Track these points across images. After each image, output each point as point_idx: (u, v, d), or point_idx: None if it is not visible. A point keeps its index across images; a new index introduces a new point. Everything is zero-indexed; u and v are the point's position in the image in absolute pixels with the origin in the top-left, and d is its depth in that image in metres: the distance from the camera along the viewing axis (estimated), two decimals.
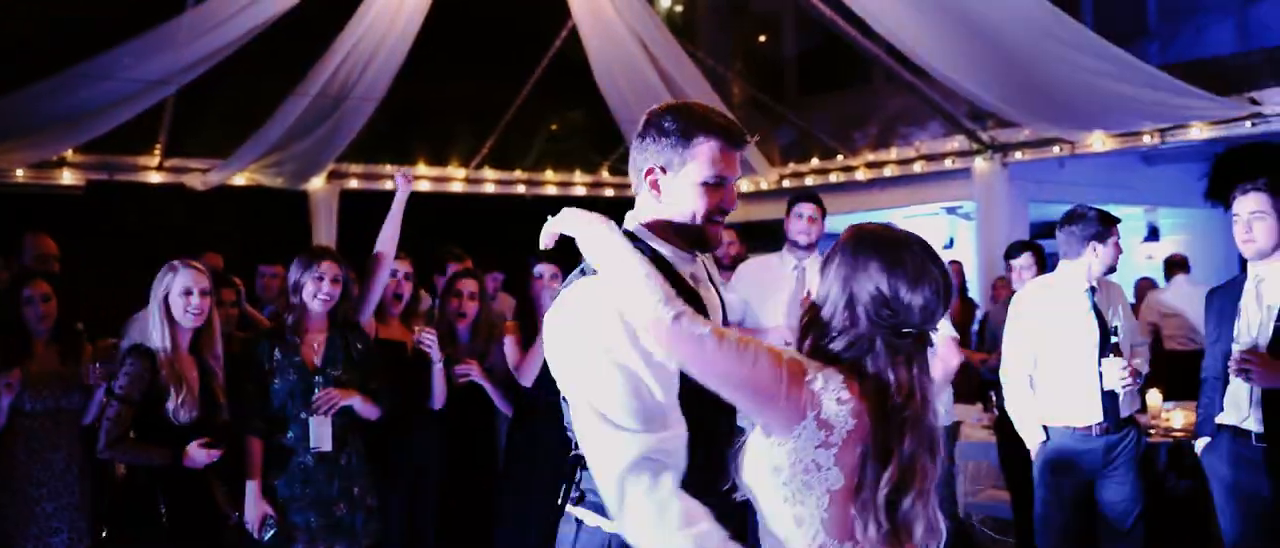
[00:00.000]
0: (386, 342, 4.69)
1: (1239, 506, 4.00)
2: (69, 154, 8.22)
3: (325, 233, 9.17)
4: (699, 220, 2.26)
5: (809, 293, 2.10)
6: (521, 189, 10.54)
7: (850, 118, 10.41)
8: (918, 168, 9.25)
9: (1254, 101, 6.50)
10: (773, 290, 4.85)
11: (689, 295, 2.16)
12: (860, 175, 9.72)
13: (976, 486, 6.46)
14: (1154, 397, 5.70)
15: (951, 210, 11.15)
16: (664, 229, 2.26)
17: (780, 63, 12.70)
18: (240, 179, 8.86)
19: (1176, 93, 6.44)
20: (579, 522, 2.22)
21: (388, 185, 9.54)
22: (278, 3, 6.76)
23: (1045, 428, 4.39)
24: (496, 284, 6.46)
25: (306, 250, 4.47)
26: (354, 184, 9.52)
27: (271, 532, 3.98)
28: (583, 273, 2.22)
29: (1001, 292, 6.89)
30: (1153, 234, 11.64)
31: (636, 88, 8.59)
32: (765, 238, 9.36)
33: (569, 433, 2.26)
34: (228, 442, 4.01)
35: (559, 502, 2.29)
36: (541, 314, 4.65)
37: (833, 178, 10.00)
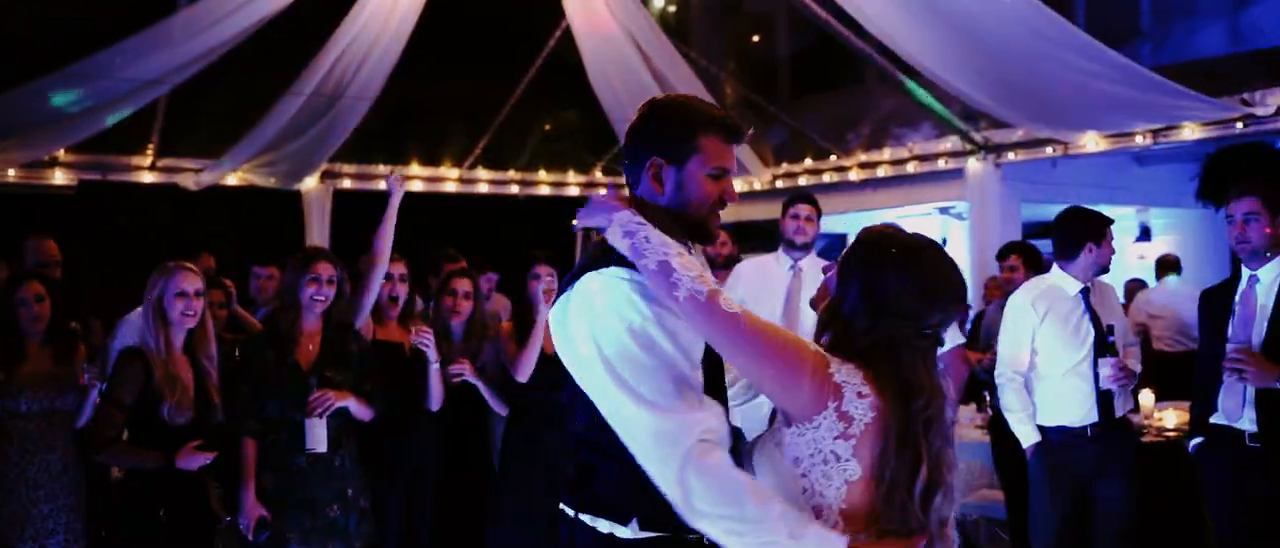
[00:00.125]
0: (383, 343, 4.69)
1: (1233, 506, 4.02)
2: (61, 154, 8.19)
3: (318, 233, 9.15)
4: (701, 212, 2.28)
5: (823, 290, 2.16)
6: (515, 189, 10.53)
7: (843, 118, 10.41)
8: (911, 168, 9.26)
9: (1245, 103, 6.51)
10: (769, 291, 4.87)
11: None
12: (853, 176, 9.72)
13: (970, 485, 6.47)
14: (1146, 397, 5.72)
15: (944, 211, 11.15)
16: (664, 220, 2.25)
17: (773, 63, 12.70)
18: (233, 179, 8.83)
19: (1169, 94, 6.45)
20: (593, 530, 2.18)
21: (381, 186, 9.51)
22: (271, 2, 6.75)
23: (1040, 428, 4.41)
24: (491, 285, 6.46)
25: (301, 252, 4.47)
26: (347, 184, 9.50)
27: (266, 534, 3.97)
28: (592, 268, 2.19)
29: (995, 292, 6.91)
30: (1145, 234, 11.67)
31: (630, 88, 8.58)
32: (758, 238, 9.37)
33: (577, 431, 2.24)
34: (222, 443, 4.01)
35: (569, 509, 2.25)
36: (538, 314, 4.71)
37: (826, 178, 10.00)
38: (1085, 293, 4.41)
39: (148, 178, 8.68)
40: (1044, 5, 6.05)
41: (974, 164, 8.49)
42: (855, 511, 1.95)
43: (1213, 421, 4.08)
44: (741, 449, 2.14)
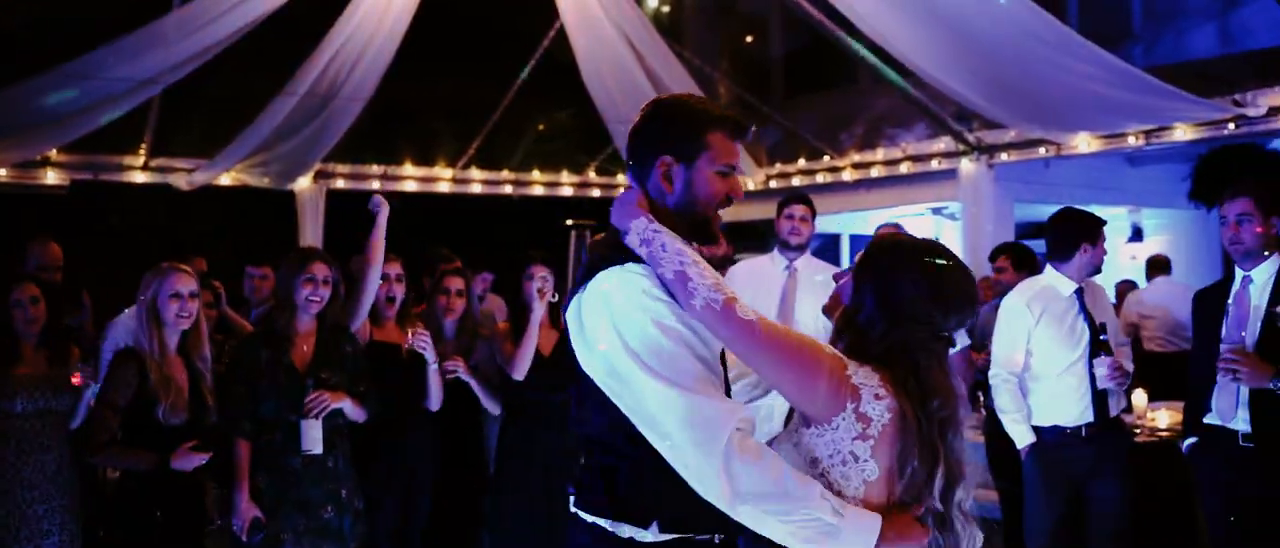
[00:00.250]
0: (381, 343, 4.68)
1: (1227, 506, 4.03)
2: (53, 154, 8.16)
3: (311, 233, 9.14)
4: (709, 210, 2.29)
5: (835, 298, 2.21)
6: (508, 189, 10.51)
7: (837, 118, 10.42)
8: (904, 169, 9.27)
9: (1237, 104, 6.53)
10: (764, 291, 4.88)
11: None
12: (847, 176, 9.74)
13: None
14: (1139, 397, 5.73)
15: (938, 211, 11.18)
16: (671, 219, 2.26)
17: (767, 63, 12.72)
18: (226, 179, 8.81)
19: (1161, 95, 6.47)
20: (611, 535, 2.18)
21: (374, 186, 9.52)
22: (265, 2, 6.74)
23: (1035, 428, 4.42)
24: (486, 285, 6.46)
25: (296, 252, 4.46)
26: (340, 184, 9.48)
27: (260, 535, 3.96)
28: (606, 266, 2.19)
29: (987, 293, 6.92)
30: (1137, 235, 11.70)
31: (624, 88, 8.59)
32: (752, 238, 9.39)
33: (591, 433, 2.24)
34: (217, 444, 4.00)
35: (585, 514, 2.25)
36: (532, 313, 4.72)
37: (819, 178, 10.02)
38: (1080, 293, 4.44)
39: (140, 178, 8.66)
40: (1037, 6, 6.07)
41: (967, 164, 8.51)
42: (872, 507, 1.99)
43: (1206, 421, 4.10)
44: None
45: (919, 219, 11.32)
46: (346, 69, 7.70)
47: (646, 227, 2.16)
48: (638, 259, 2.16)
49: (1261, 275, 3.99)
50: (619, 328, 2.10)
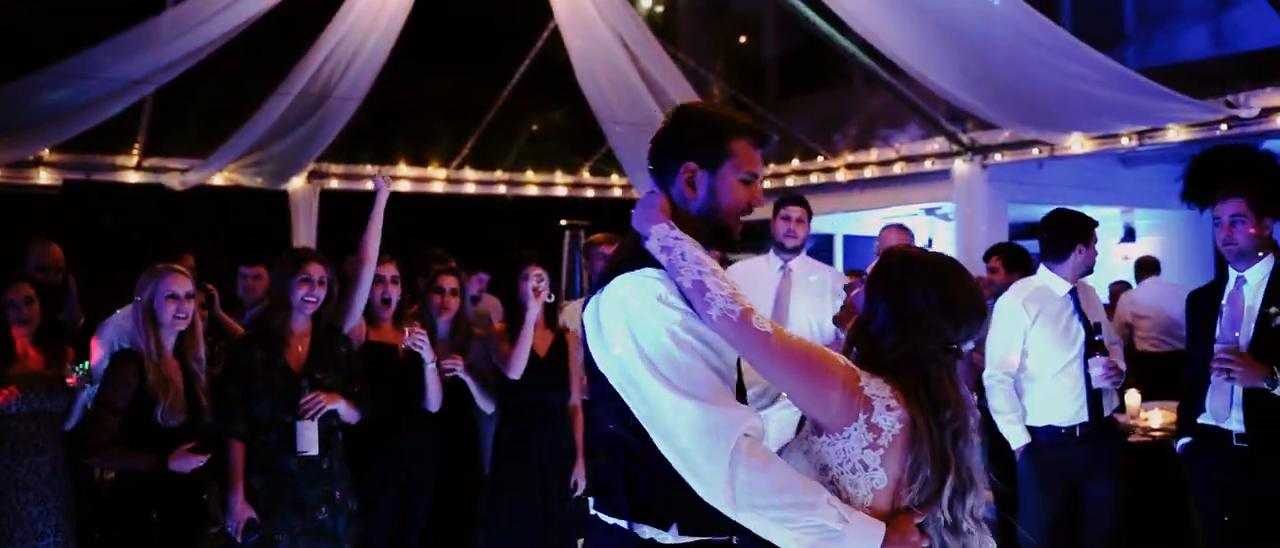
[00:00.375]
0: (377, 344, 4.68)
1: (1221, 506, 4.05)
2: (45, 153, 8.13)
3: (305, 233, 9.11)
4: (731, 217, 2.32)
5: (848, 308, 2.31)
6: (502, 189, 10.51)
7: (830, 119, 10.42)
8: (898, 169, 9.28)
9: (1230, 105, 6.55)
10: (758, 292, 4.89)
11: None
12: (840, 176, 9.74)
13: None
14: (1132, 397, 5.75)
15: (931, 211, 11.19)
16: (693, 225, 2.29)
17: (761, 63, 12.73)
18: (219, 179, 8.79)
19: (1154, 96, 6.49)
20: (631, 535, 2.20)
21: (368, 186, 9.44)
22: (259, 1, 6.72)
23: (1030, 429, 4.43)
24: (482, 285, 6.45)
25: (291, 253, 4.45)
26: (334, 184, 9.46)
27: (255, 537, 3.95)
28: (624, 270, 2.22)
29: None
30: (1129, 235, 11.74)
31: (618, 88, 8.58)
32: (746, 239, 9.36)
33: (609, 434, 2.25)
34: (213, 446, 3.99)
35: (605, 515, 2.26)
36: (528, 313, 4.73)
37: (813, 179, 10.02)
38: (1074, 293, 4.45)
39: (133, 178, 8.63)
40: (1030, 7, 6.08)
41: (960, 165, 8.52)
42: (878, 514, 2.03)
43: (1201, 421, 4.12)
44: None
45: (913, 219, 11.33)
46: (340, 69, 7.68)
47: (667, 234, 2.19)
48: (657, 264, 2.18)
49: (1255, 276, 4.01)
50: (634, 333, 2.13)
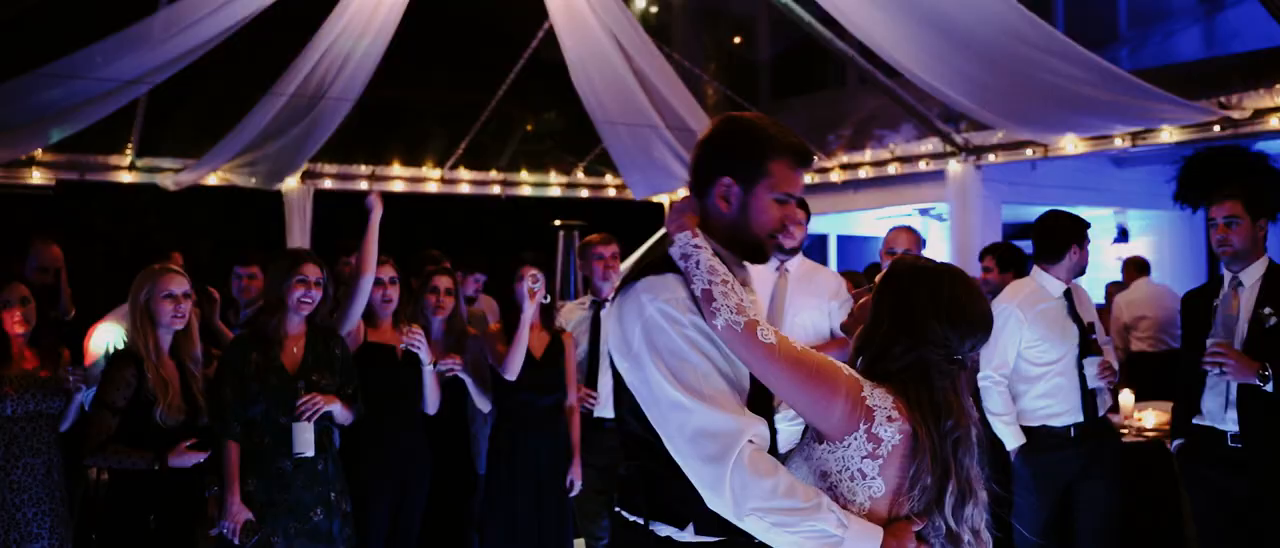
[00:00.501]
0: (376, 345, 4.66)
1: (1214, 506, 4.06)
2: (38, 153, 8.10)
3: (299, 233, 9.08)
4: (761, 234, 2.33)
5: (856, 315, 2.35)
6: (497, 190, 10.50)
7: (824, 120, 10.45)
8: (892, 170, 9.29)
9: (1222, 105, 6.58)
10: (755, 292, 4.87)
11: None
12: (835, 177, 9.75)
13: None
14: (1126, 397, 5.77)
15: (925, 212, 11.23)
16: (725, 236, 2.32)
17: (755, 65, 12.75)
18: (212, 179, 8.77)
19: (1147, 97, 6.51)
20: (650, 533, 2.24)
21: (362, 186, 9.49)
22: (253, 1, 6.70)
23: (1025, 430, 4.44)
24: (479, 286, 6.45)
25: (287, 253, 4.44)
26: (328, 184, 9.44)
27: (255, 538, 3.94)
28: (651, 272, 2.25)
29: None
30: (1123, 236, 11.78)
31: (612, 89, 8.58)
32: None
33: (632, 432, 2.27)
34: (211, 446, 3.99)
35: (626, 513, 2.30)
36: (523, 314, 4.72)
37: (807, 179, 10.01)
38: (1068, 294, 4.47)
39: (127, 178, 8.61)
40: (1023, 8, 6.10)
41: (954, 166, 8.54)
42: (875, 520, 2.07)
43: (1195, 422, 4.13)
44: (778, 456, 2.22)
45: (907, 220, 11.36)
46: (335, 69, 7.65)
47: (689, 241, 2.23)
48: (680, 269, 2.22)
49: (1249, 277, 4.03)
50: (649, 335, 2.17)
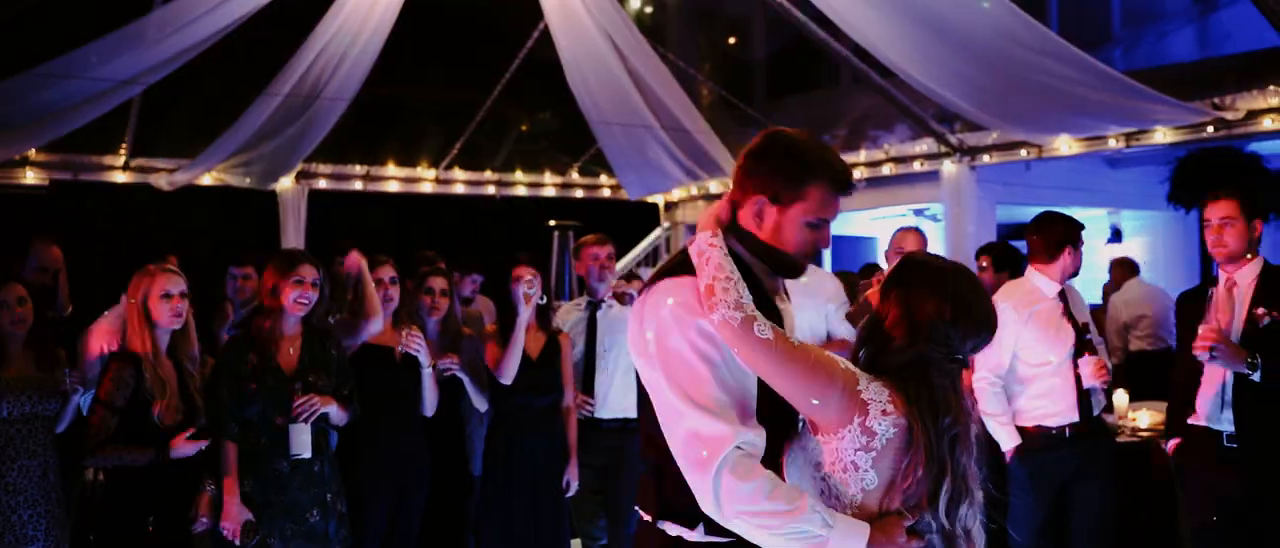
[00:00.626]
0: (374, 346, 4.65)
1: (1210, 506, 4.07)
2: (32, 153, 8.08)
3: (294, 233, 9.07)
4: (791, 254, 2.34)
5: (862, 305, 2.31)
6: (491, 190, 10.50)
7: (819, 120, 10.46)
8: (886, 170, 9.29)
9: (1216, 106, 6.60)
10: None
11: (769, 308, 2.28)
12: None
13: None
14: (1120, 397, 5.78)
15: (919, 212, 11.23)
16: (757, 249, 2.34)
17: (749, 65, 12.75)
18: (207, 179, 8.75)
19: (1141, 98, 6.53)
20: (661, 532, 2.28)
21: (356, 186, 9.49)
22: (247, 1, 6.69)
23: (1020, 430, 4.44)
24: (476, 286, 6.44)
25: (283, 254, 4.43)
26: (323, 184, 9.43)
27: (255, 539, 3.93)
28: (673, 274, 2.29)
29: None
30: (1116, 236, 11.80)
31: (607, 89, 8.58)
32: None
33: (651, 431, 2.29)
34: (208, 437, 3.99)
35: (642, 511, 2.35)
36: (519, 315, 4.72)
37: None
38: (1062, 295, 4.48)
39: (121, 178, 8.59)
40: (1017, 9, 6.11)
41: (949, 166, 8.55)
42: (867, 514, 2.10)
43: (1191, 422, 4.14)
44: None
45: (901, 220, 11.37)
46: (330, 69, 7.65)
47: (706, 241, 2.26)
48: None
49: (1244, 278, 4.04)
50: (662, 335, 2.20)
